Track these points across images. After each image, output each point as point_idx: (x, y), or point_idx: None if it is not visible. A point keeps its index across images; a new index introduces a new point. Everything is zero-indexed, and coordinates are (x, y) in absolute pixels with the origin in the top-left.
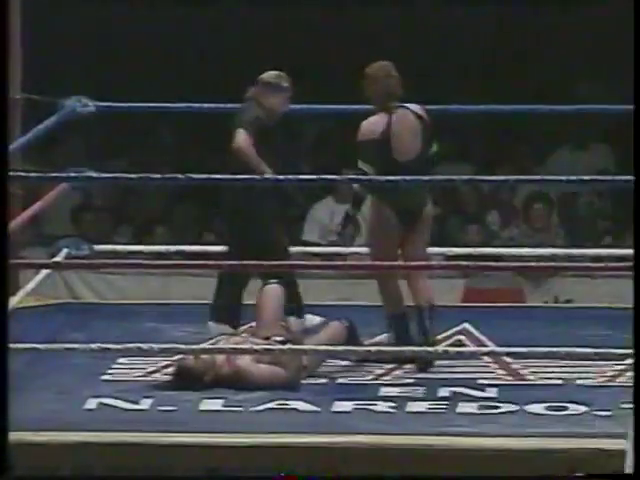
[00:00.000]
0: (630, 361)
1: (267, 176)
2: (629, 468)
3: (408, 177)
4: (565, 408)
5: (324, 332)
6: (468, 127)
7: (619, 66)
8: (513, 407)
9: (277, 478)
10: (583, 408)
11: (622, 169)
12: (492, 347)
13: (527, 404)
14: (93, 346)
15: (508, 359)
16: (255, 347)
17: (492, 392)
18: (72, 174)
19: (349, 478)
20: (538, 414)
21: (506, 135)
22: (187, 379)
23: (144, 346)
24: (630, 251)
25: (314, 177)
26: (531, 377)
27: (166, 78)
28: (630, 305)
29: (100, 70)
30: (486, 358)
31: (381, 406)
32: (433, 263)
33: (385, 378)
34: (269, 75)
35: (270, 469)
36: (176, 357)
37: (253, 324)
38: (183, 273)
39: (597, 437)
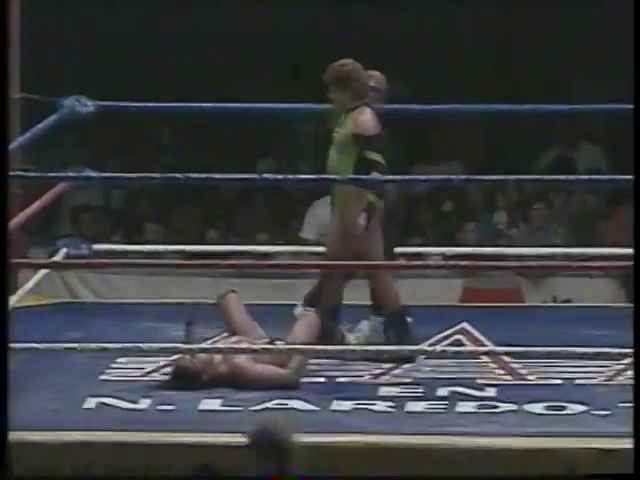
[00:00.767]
0: (629, 360)
1: (266, 176)
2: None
3: (407, 177)
4: (564, 408)
5: (299, 325)
6: (461, 126)
7: (616, 66)
8: (512, 407)
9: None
10: (582, 408)
11: (614, 168)
12: (491, 347)
13: (526, 404)
14: (92, 346)
15: (507, 359)
16: (252, 347)
17: (491, 392)
18: (71, 174)
19: (349, 478)
20: (537, 414)
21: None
22: (184, 379)
23: (143, 346)
24: (630, 250)
25: (314, 177)
26: (530, 377)
27: (166, 78)
28: (629, 304)
29: (99, 70)
30: (485, 358)
31: (380, 406)
32: (432, 263)
33: (384, 378)
34: (373, 76)
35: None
36: (174, 357)
37: (254, 323)
38: (182, 273)
39: (596, 437)
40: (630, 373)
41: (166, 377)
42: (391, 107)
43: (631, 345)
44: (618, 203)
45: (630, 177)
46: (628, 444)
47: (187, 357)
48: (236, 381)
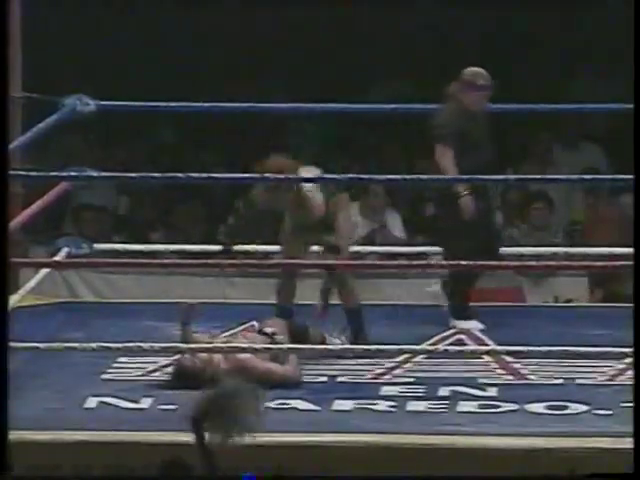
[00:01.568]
0: (630, 360)
1: (267, 175)
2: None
3: (407, 176)
4: (565, 407)
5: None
6: None
7: (613, 65)
8: (513, 406)
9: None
10: (583, 407)
11: (613, 168)
12: (492, 346)
13: (527, 403)
14: (93, 345)
15: (508, 358)
16: (253, 345)
17: (492, 391)
18: (72, 173)
19: (349, 478)
20: (538, 413)
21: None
22: (186, 378)
23: (144, 345)
24: (630, 250)
25: (314, 177)
26: (531, 376)
27: (166, 78)
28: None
29: (100, 69)
30: (486, 357)
31: (381, 405)
32: (433, 262)
33: (385, 377)
34: (467, 72)
35: (270, 468)
36: (175, 357)
37: (254, 323)
38: (183, 272)
39: (597, 436)
40: (631, 373)
41: (167, 377)
42: (393, 107)
43: (632, 345)
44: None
45: (625, 176)
46: (629, 444)
47: (188, 357)
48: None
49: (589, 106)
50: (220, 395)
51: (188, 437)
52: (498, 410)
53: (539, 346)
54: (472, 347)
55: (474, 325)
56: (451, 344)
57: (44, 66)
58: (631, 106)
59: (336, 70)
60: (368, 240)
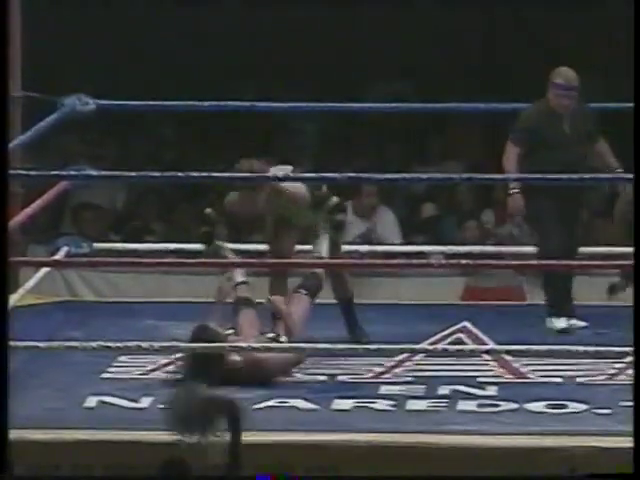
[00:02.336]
0: (630, 359)
1: (268, 174)
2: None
3: (407, 175)
4: (565, 406)
5: (293, 305)
6: (459, 126)
7: (610, 65)
8: (513, 405)
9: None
10: (583, 406)
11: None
12: (492, 345)
13: (527, 402)
14: (93, 344)
15: (508, 357)
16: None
17: (492, 390)
18: (72, 172)
19: (349, 477)
20: (538, 412)
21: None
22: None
23: (144, 344)
24: (630, 249)
25: (315, 175)
26: (531, 375)
27: (166, 78)
28: (630, 303)
29: (100, 69)
30: (486, 356)
31: (381, 404)
32: (433, 262)
33: (385, 376)
34: (554, 72)
35: (270, 467)
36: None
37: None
38: (182, 271)
39: (597, 435)
40: (631, 372)
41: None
42: (391, 106)
43: (632, 344)
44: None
45: (625, 176)
46: (629, 443)
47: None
48: (256, 373)
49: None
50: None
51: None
52: (498, 409)
53: (539, 345)
54: (472, 346)
55: (572, 323)
56: (451, 343)
57: (44, 65)
58: (624, 105)
59: (336, 70)
60: (363, 239)
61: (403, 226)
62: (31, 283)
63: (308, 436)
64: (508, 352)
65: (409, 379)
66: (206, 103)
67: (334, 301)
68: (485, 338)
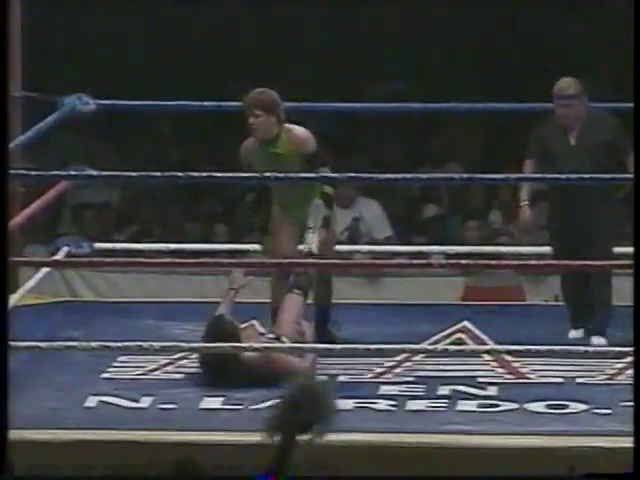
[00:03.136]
0: (630, 359)
1: (267, 174)
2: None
3: (408, 175)
4: (565, 406)
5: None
6: (459, 126)
7: (608, 65)
8: (513, 405)
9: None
10: (583, 406)
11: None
12: (492, 345)
13: (527, 402)
14: (93, 344)
15: (508, 357)
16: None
17: (492, 390)
18: (72, 172)
19: (349, 477)
20: (538, 412)
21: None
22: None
23: (144, 344)
24: (629, 249)
25: (314, 175)
26: (531, 375)
27: (165, 78)
28: (630, 303)
29: (100, 69)
30: (486, 356)
31: (381, 404)
32: (433, 261)
33: (385, 376)
34: (556, 84)
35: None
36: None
37: (253, 322)
38: (183, 272)
39: (597, 435)
40: (631, 372)
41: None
42: (391, 106)
43: (632, 344)
44: None
45: (625, 176)
46: (629, 443)
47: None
48: (272, 372)
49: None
50: (308, 392)
51: (189, 436)
52: (498, 409)
53: (539, 345)
54: (472, 346)
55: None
56: (451, 343)
57: (44, 65)
58: (623, 105)
59: (335, 69)
60: (351, 231)
61: (404, 226)
62: (31, 283)
63: (307, 436)
64: (508, 352)
65: (409, 379)
66: (205, 103)
67: (334, 301)
68: (485, 338)
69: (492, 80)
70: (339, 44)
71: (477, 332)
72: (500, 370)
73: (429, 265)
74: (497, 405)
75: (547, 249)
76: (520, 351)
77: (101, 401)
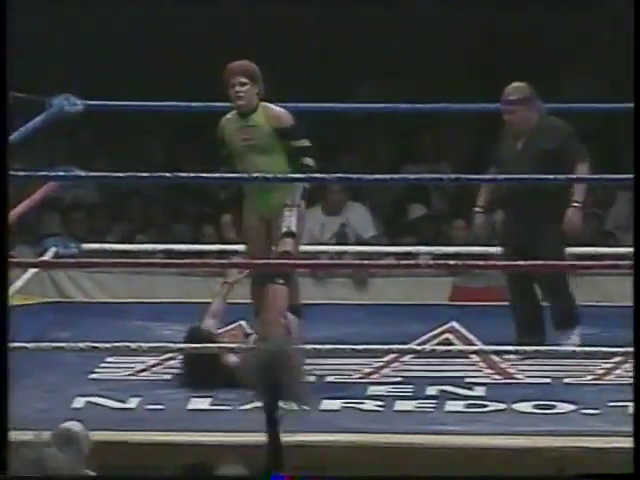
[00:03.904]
0: (618, 359)
1: (256, 175)
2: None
3: (396, 175)
4: (553, 406)
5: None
6: (449, 126)
7: (604, 65)
8: (501, 405)
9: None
10: (571, 406)
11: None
12: (480, 345)
13: (515, 402)
14: (81, 345)
15: (496, 357)
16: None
17: (480, 391)
18: (60, 173)
19: (349, 478)
20: (526, 412)
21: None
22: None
23: (132, 345)
24: (619, 250)
25: (304, 176)
26: (519, 375)
27: (161, 79)
28: (618, 303)
29: (89, 69)
30: (474, 356)
31: (369, 405)
32: (421, 262)
33: (373, 377)
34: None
35: (257, 468)
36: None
37: (241, 322)
38: (171, 272)
39: (585, 435)
40: (619, 372)
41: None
42: (380, 106)
43: (620, 344)
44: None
45: (625, 176)
46: (617, 443)
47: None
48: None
49: (581, 105)
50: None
51: (177, 437)
52: (486, 409)
53: (527, 345)
54: (460, 347)
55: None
56: (439, 344)
57: (31, 65)
58: (619, 105)
59: (321, 70)
60: (338, 237)
61: (391, 226)
62: (19, 284)
63: (296, 436)
64: (496, 352)
65: (397, 379)
66: (194, 104)
67: (320, 301)
68: (473, 338)
69: (485, 80)
70: (327, 43)
71: (465, 332)
72: (488, 370)
73: (417, 265)
74: (485, 405)
75: None
76: (508, 351)
77: (89, 402)
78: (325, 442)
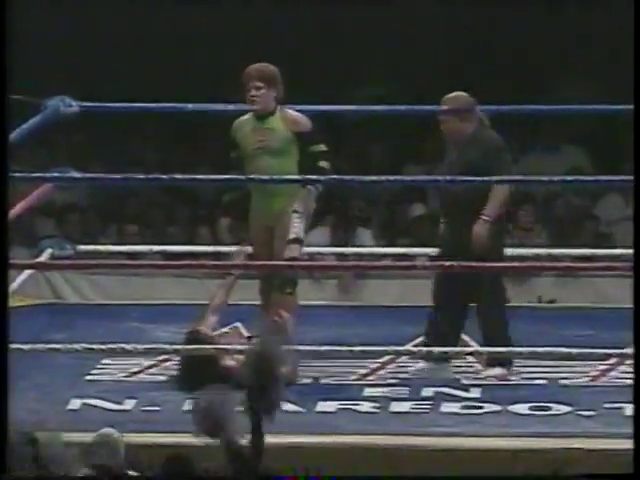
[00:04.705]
0: (613, 361)
1: (251, 176)
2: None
3: (391, 177)
4: (548, 408)
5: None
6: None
7: (602, 66)
8: (497, 407)
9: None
10: (566, 408)
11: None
12: (475, 347)
13: (511, 404)
14: (77, 346)
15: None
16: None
17: (476, 392)
18: (56, 174)
19: (350, 478)
20: (522, 414)
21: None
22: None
23: (128, 346)
24: (614, 251)
25: (299, 177)
26: (514, 377)
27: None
28: (613, 305)
29: (85, 70)
30: (470, 358)
31: (365, 406)
32: (417, 263)
33: (369, 378)
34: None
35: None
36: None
37: (238, 324)
38: (167, 273)
39: (580, 437)
40: (615, 374)
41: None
42: (378, 108)
43: (615, 346)
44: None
45: (615, 178)
46: (612, 445)
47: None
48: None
49: (576, 107)
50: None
51: (172, 438)
52: (481, 411)
53: (522, 347)
54: (455, 348)
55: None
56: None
57: (26, 66)
58: (617, 107)
59: (319, 71)
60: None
61: (386, 228)
62: (15, 285)
63: (292, 438)
64: (491, 354)
65: (393, 381)
66: (189, 105)
67: (316, 302)
68: (468, 339)
69: (481, 81)
70: (327, 44)
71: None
72: (484, 372)
73: (413, 267)
74: (481, 407)
75: (530, 251)
76: (503, 353)
77: (85, 403)
78: (321, 443)
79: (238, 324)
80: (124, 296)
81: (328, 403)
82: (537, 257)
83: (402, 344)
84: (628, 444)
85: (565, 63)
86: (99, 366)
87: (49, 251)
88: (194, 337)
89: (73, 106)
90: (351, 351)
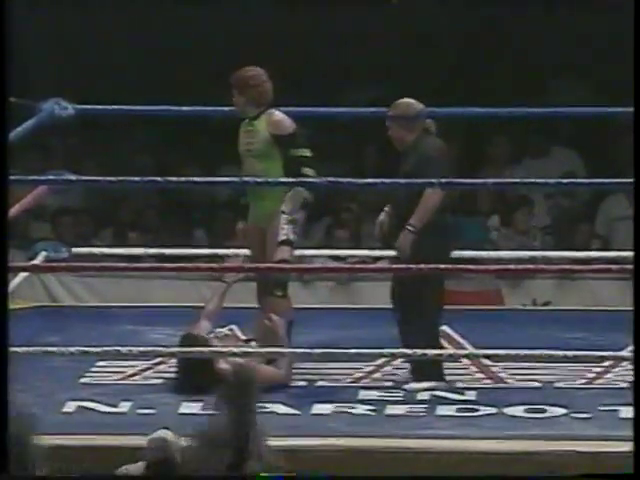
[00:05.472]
0: (608, 363)
1: (247, 179)
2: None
3: (387, 180)
4: (544, 411)
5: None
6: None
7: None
8: (492, 410)
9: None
10: (562, 411)
11: (591, 172)
12: (471, 349)
13: (506, 407)
14: (72, 349)
15: (487, 362)
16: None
17: (471, 395)
18: (51, 177)
19: (350, 479)
20: (517, 417)
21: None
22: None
23: (123, 349)
24: (610, 253)
25: (296, 180)
26: (510, 380)
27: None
28: (609, 307)
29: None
30: (465, 360)
31: (360, 409)
32: (412, 266)
33: (364, 381)
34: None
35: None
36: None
37: (233, 327)
38: (162, 276)
39: (576, 439)
40: (610, 376)
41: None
42: (372, 110)
43: (610, 348)
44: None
45: (608, 180)
46: (608, 447)
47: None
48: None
49: (571, 109)
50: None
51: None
52: (477, 414)
53: (517, 349)
54: (450, 350)
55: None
56: None
57: (21, 69)
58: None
59: (313, 73)
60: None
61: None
62: (10, 288)
63: (287, 441)
64: (487, 356)
65: (388, 384)
66: (184, 108)
67: (312, 305)
68: (464, 342)
69: (476, 83)
70: (317, 47)
71: (456, 336)
72: (479, 374)
73: (408, 269)
74: (476, 410)
75: (525, 253)
76: (499, 355)
77: (80, 406)
78: (316, 446)
79: (234, 327)
80: (119, 299)
81: (323, 406)
82: (533, 260)
83: (397, 347)
84: (623, 446)
85: (565, 63)
86: (94, 369)
87: (44, 254)
88: (189, 340)
89: (68, 109)
90: (346, 354)
